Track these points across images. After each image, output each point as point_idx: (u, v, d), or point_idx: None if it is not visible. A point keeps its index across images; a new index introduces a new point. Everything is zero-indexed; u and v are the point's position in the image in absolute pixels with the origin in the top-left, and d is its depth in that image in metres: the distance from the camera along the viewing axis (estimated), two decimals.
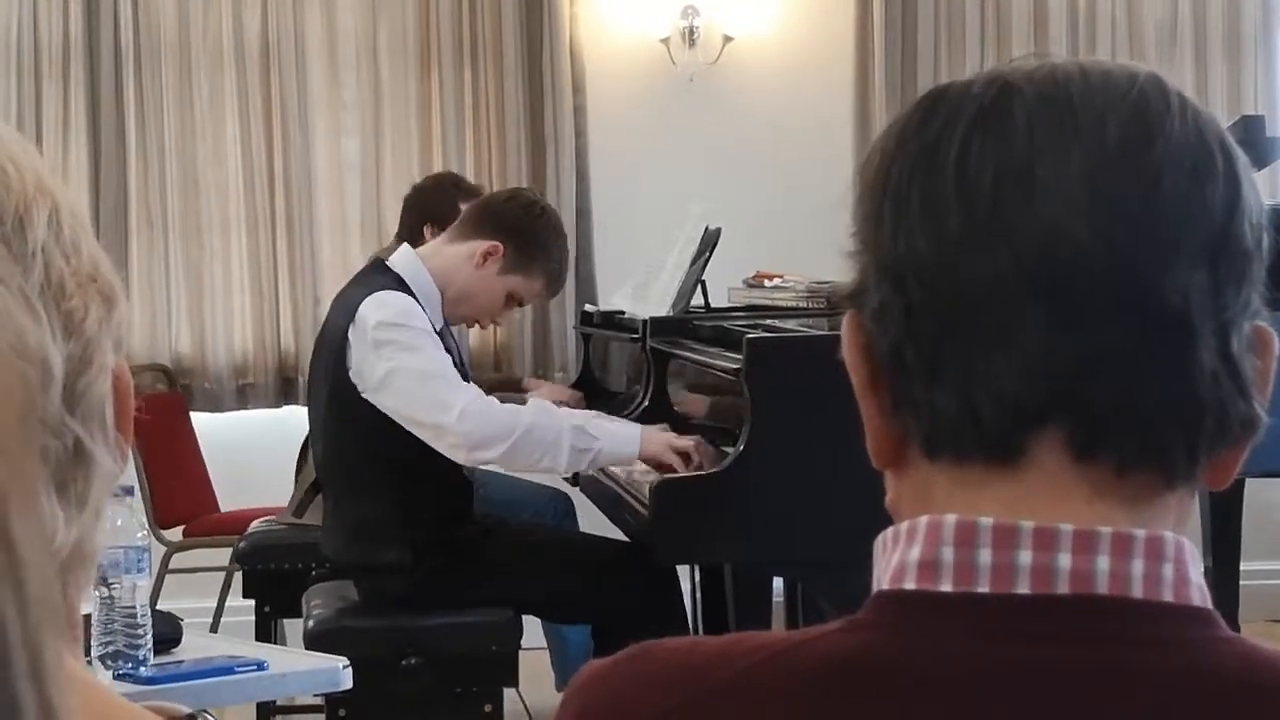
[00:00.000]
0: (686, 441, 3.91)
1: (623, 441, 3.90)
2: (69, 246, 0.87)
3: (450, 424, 3.80)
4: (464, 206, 5.33)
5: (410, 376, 3.84)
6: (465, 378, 4.15)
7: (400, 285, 3.98)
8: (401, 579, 3.96)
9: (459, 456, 3.84)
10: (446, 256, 4.11)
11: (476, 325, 4.37)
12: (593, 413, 4.20)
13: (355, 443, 3.98)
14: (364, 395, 3.89)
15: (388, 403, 3.87)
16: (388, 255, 5.12)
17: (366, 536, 3.98)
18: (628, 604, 3.93)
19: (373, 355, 3.86)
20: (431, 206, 5.34)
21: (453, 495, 4.00)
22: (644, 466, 4.04)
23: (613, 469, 4.14)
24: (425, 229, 5.31)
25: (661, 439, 3.93)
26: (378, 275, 4.06)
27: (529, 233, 4.13)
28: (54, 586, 0.59)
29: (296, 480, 5.21)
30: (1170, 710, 0.93)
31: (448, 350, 4.00)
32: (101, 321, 0.87)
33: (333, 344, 3.97)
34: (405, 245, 4.32)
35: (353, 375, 3.90)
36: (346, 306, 3.99)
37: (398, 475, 3.91)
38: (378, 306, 3.89)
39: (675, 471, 3.80)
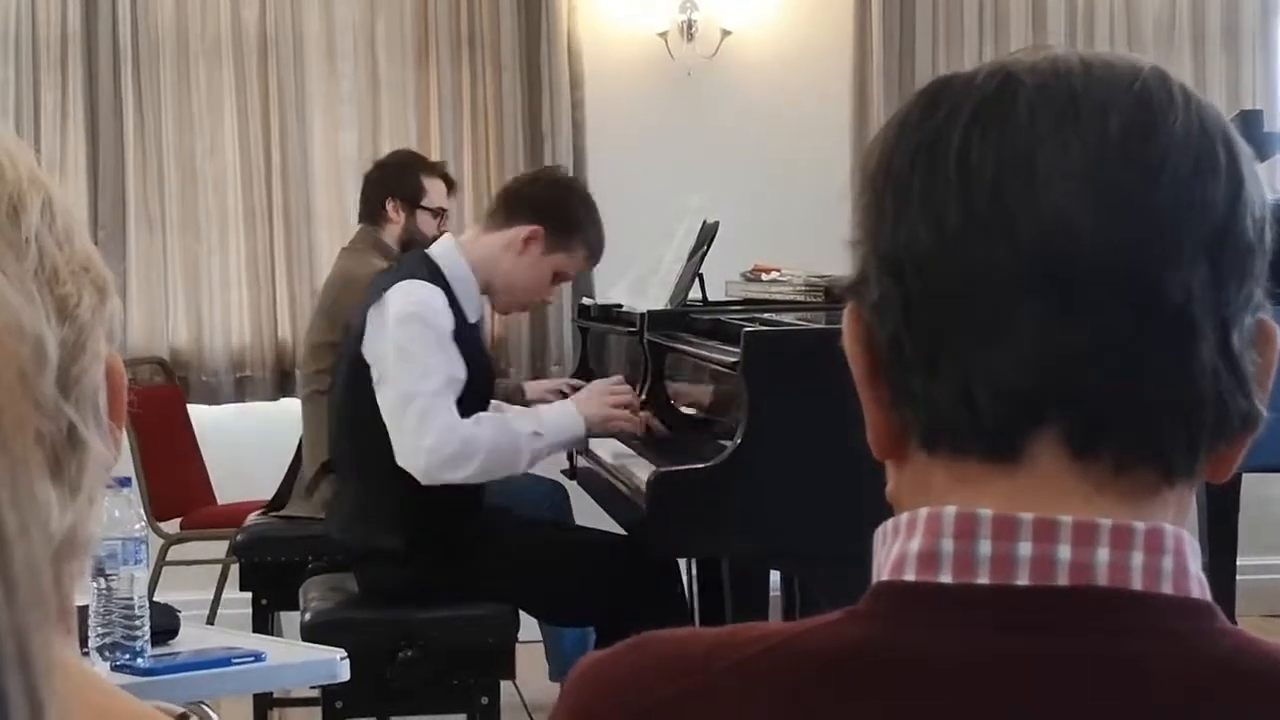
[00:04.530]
0: (622, 392, 4.04)
1: (567, 424, 3.97)
2: (62, 236, 0.87)
3: (414, 458, 3.82)
4: (427, 182, 5.34)
5: (394, 391, 3.85)
6: (490, 378, 4.16)
7: (436, 277, 3.96)
8: (398, 570, 3.94)
9: (422, 481, 3.85)
10: (485, 246, 4.10)
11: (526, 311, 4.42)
12: (537, 408, 4.22)
13: (366, 424, 3.95)
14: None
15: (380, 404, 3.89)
16: (360, 243, 5.16)
17: (367, 519, 3.97)
18: (630, 603, 3.90)
19: (387, 348, 3.86)
20: (395, 182, 5.34)
21: (458, 487, 3.97)
22: (629, 452, 4.04)
23: (606, 460, 4.14)
24: (387, 204, 5.31)
25: (596, 402, 4.01)
26: (417, 264, 4.05)
27: (563, 208, 4.15)
28: (42, 571, 0.57)
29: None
30: (1169, 702, 0.93)
31: (474, 350, 3.98)
32: (94, 310, 0.87)
33: (357, 324, 3.98)
34: (447, 235, 4.32)
35: (364, 352, 3.91)
36: (377, 287, 3.99)
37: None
38: (401, 295, 3.89)
39: (631, 431, 3.89)
